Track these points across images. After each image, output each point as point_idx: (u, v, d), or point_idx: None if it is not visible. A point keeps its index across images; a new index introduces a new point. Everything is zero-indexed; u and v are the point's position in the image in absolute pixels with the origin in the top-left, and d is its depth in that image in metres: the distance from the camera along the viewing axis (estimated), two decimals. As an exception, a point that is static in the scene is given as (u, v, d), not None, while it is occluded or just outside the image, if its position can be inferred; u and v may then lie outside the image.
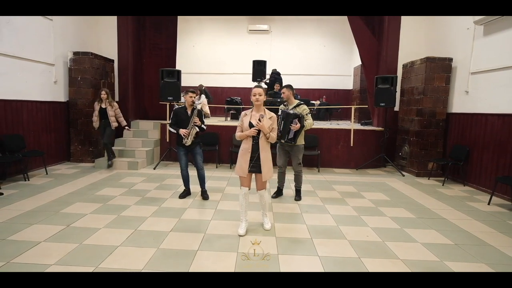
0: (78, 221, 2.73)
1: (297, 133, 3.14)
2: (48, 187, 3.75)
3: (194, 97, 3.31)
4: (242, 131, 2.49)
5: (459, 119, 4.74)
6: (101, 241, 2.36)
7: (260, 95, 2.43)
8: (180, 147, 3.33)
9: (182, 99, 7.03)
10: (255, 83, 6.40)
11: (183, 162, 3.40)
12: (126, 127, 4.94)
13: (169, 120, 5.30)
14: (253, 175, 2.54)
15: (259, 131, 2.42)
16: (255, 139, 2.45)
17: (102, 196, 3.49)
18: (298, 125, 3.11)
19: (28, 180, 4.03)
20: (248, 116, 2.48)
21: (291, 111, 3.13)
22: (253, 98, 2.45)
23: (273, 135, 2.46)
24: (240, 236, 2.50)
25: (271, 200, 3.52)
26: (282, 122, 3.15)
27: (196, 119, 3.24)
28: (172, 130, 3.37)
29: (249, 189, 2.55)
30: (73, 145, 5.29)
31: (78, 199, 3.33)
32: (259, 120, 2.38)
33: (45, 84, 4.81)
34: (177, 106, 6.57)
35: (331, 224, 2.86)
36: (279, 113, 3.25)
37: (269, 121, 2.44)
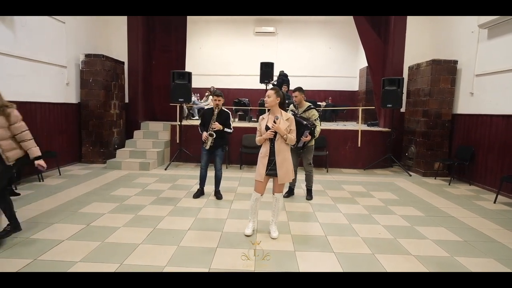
0: (97, 220, 2.81)
1: (306, 142, 3.20)
2: (63, 188, 3.83)
3: (219, 100, 3.32)
4: (261, 135, 2.47)
5: (464, 120, 4.82)
6: (122, 239, 2.43)
7: (269, 97, 2.41)
8: (203, 146, 3.42)
9: (192, 100, 7.10)
10: (263, 84, 6.48)
11: (203, 161, 3.47)
12: (38, 163, 2.39)
13: (179, 121, 5.43)
14: (271, 178, 2.50)
15: (275, 134, 2.39)
16: (273, 142, 2.43)
17: (118, 196, 3.57)
18: (309, 137, 3.15)
19: (43, 180, 4.11)
20: (265, 120, 2.47)
21: (304, 122, 3.09)
22: (264, 100, 2.48)
23: (291, 137, 2.43)
24: (246, 236, 2.51)
25: (284, 200, 3.58)
26: None
27: (215, 125, 3.26)
28: (199, 130, 3.46)
29: (261, 195, 2.51)
30: (84, 146, 5.37)
31: (94, 199, 3.40)
32: (274, 121, 2.38)
33: (58, 86, 4.89)
34: (185, 107, 6.60)
35: (343, 222, 2.94)
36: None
37: (286, 123, 2.40)
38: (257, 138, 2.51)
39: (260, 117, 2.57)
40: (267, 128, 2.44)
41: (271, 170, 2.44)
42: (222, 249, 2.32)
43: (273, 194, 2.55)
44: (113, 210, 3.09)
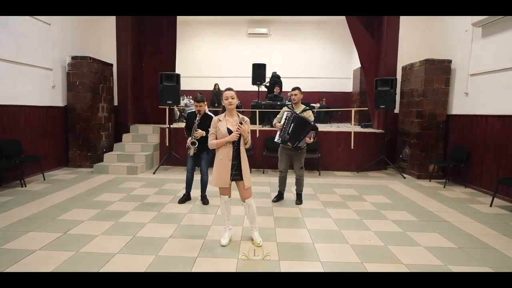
0: (75, 228, 2.68)
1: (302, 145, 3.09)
2: (45, 193, 3.70)
3: (200, 106, 3.19)
4: (216, 139, 2.32)
5: (459, 121, 4.73)
6: (98, 249, 2.31)
7: (233, 98, 2.28)
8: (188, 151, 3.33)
9: (182, 103, 6.99)
10: (256, 86, 6.40)
11: (189, 165, 3.38)
12: None
13: (167, 124, 5.33)
14: (233, 183, 2.38)
15: (239, 136, 2.27)
16: (236, 146, 2.30)
17: (100, 201, 3.44)
18: (312, 140, 3.02)
19: (25, 186, 3.98)
20: (223, 122, 2.31)
21: (312, 122, 2.96)
22: (225, 102, 2.28)
23: (250, 140, 2.35)
24: (222, 246, 2.37)
25: (272, 204, 3.48)
26: (292, 125, 3.04)
27: (197, 132, 3.16)
28: (185, 133, 3.39)
29: (229, 197, 2.41)
30: (71, 150, 5.25)
31: (75, 205, 3.28)
32: (240, 123, 2.23)
33: (43, 89, 4.78)
34: (176, 108, 6.47)
35: (332, 228, 2.82)
36: (285, 115, 3.17)
37: (244, 125, 2.29)
38: (214, 142, 2.32)
39: (216, 118, 2.37)
40: (230, 131, 2.28)
41: (236, 175, 2.32)
42: (202, 258, 2.21)
43: (243, 201, 2.40)
44: (93, 217, 2.96)
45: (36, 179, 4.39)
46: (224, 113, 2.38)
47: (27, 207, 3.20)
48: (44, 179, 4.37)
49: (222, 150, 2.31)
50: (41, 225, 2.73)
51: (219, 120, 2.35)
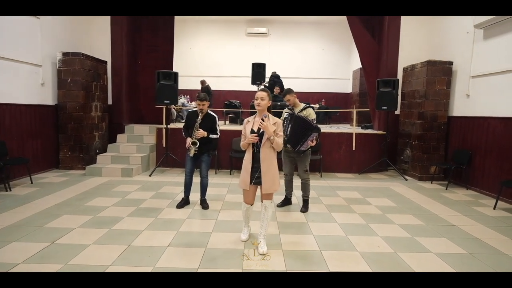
0: (64, 237, 2.48)
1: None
2: (33, 198, 3.47)
3: (203, 105, 3.04)
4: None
5: (460, 123, 4.71)
6: (89, 261, 2.12)
7: (263, 100, 2.19)
8: (187, 152, 3.17)
9: (179, 102, 6.78)
10: (255, 86, 6.26)
11: (188, 167, 3.22)
12: None
13: (165, 124, 5.14)
14: (259, 187, 2.31)
15: (261, 139, 2.19)
16: (257, 147, 2.22)
17: (93, 207, 3.24)
18: (315, 143, 2.90)
19: (10, 190, 3.73)
20: (250, 123, 2.27)
21: (314, 124, 2.85)
22: (254, 103, 2.24)
23: (279, 141, 2.20)
24: (242, 241, 2.43)
25: (276, 209, 3.34)
26: (290, 126, 2.91)
27: (198, 133, 3.00)
28: (183, 134, 3.23)
29: (251, 205, 2.34)
30: (62, 151, 4.99)
31: (65, 211, 3.07)
32: (262, 120, 2.14)
33: (31, 86, 4.52)
34: (173, 108, 6.25)
35: (339, 234, 2.70)
36: (285, 115, 3.03)
37: (273, 127, 2.18)
38: (241, 143, 2.32)
39: (245, 120, 2.37)
40: (252, 132, 2.22)
41: (258, 178, 2.24)
42: (204, 270, 2.05)
43: (262, 201, 2.32)
44: (84, 224, 2.76)
45: (22, 182, 4.14)
46: (255, 114, 2.31)
47: (11, 213, 2.96)
48: (32, 182, 4.11)
49: (246, 152, 2.31)
50: (26, 234, 2.52)
51: (248, 121, 2.32)
